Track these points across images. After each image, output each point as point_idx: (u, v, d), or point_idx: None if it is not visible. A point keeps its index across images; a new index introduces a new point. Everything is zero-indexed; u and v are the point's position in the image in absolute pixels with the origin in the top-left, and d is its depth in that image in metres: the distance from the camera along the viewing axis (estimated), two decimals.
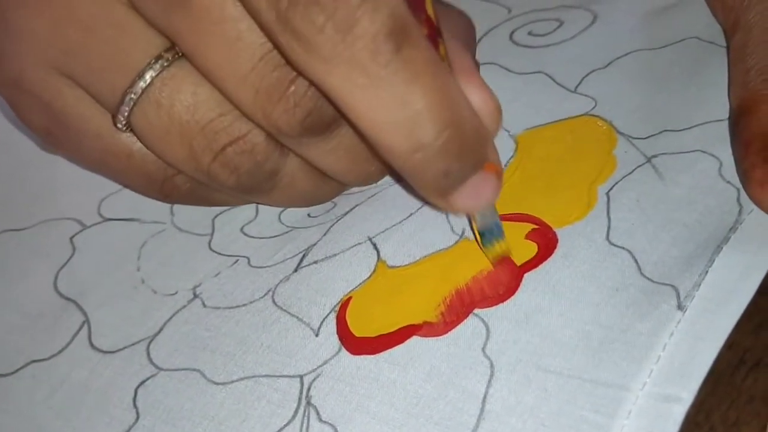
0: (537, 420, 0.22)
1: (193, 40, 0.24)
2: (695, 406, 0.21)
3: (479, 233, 0.26)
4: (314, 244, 0.28)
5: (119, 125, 0.27)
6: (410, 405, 0.24)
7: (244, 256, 0.29)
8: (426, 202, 0.28)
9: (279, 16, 0.21)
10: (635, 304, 0.24)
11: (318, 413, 0.24)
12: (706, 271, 0.24)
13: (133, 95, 0.26)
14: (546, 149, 0.29)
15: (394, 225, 0.28)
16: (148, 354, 0.27)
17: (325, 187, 0.29)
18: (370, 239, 0.28)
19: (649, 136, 0.28)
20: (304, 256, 0.28)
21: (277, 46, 0.23)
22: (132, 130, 0.27)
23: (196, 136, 0.26)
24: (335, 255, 0.28)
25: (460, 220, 0.28)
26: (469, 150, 0.23)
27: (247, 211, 0.30)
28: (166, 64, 0.25)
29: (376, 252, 0.27)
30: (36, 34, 0.26)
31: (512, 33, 0.34)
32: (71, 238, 0.31)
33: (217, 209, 0.31)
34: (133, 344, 0.27)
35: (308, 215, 0.30)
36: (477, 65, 0.25)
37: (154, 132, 0.26)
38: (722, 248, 0.24)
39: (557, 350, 0.23)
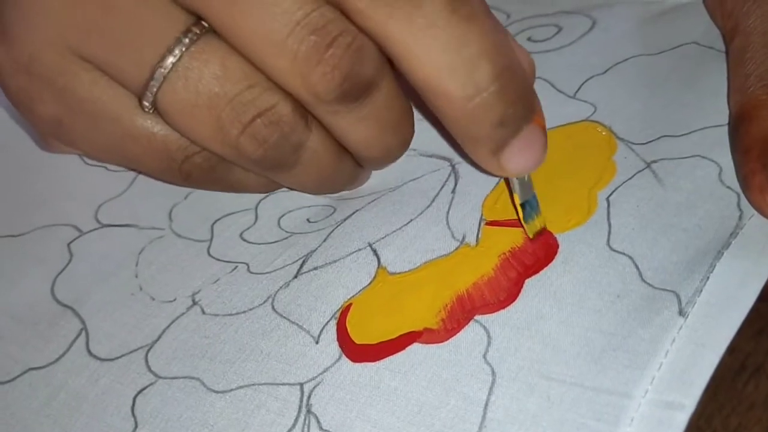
0: (539, 428, 0.22)
1: (226, 10, 0.24)
2: (696, 412, 0.21)
3: (521, 206, 0.26)
4: (314, 250, 0.28)
5: (146, 104, 0.26)
6: (411, 413, 0.23)
7: (243, 263, 0.29)
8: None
9: None
10: (636, 310, 0.24)
11: (318, 421, 0.24)
12: (708, 277, 0.24)
13: (163, 70, 0.25)
14: (546, 154, 0.29)
15: (394, 231, 0.28)
16: (147, 362, 0.27)
17: (343, 169, 0.28)
18: (370, 245, 0.28)
19: (648, 142, 0.28)
20: (303, 262, 0.28)
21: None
22: (157, 110, 0.27)
23: (224, 108, 0.25)
24: (335, 261, 0.28)
25: (460, 226, 0.27)
26: (523, 96, 0.23)
27: (246, 216, 0.30)
28: (194, 38, 0.25)
29: (376, 258, 0.27)
30: (50, 12, 0.26)
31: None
32: (68, 245, 0.31)
33: (216, 215, 0.30)
34: (131, 352, 0.27)
35: (308, 220, 0.30)
36: None
37: (182, 107, 0.26)
38: (723, 254, 0.24)
39: (559, 357, 0.23)
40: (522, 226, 0.26)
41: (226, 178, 0.29)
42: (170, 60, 0.25)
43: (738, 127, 0.27)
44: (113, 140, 0.28)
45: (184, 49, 0.25)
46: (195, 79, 0.25)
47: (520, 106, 0.24)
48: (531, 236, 0.26)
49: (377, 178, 0.30)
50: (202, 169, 0.28)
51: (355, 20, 0.24)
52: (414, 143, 0.28)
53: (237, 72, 0.25)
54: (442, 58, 0.23)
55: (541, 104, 0.25)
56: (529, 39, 0.34)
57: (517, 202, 0.26)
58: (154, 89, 0.26)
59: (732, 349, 0.22)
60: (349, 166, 0.29)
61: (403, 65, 0.23)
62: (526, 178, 0.26)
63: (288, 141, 0.26)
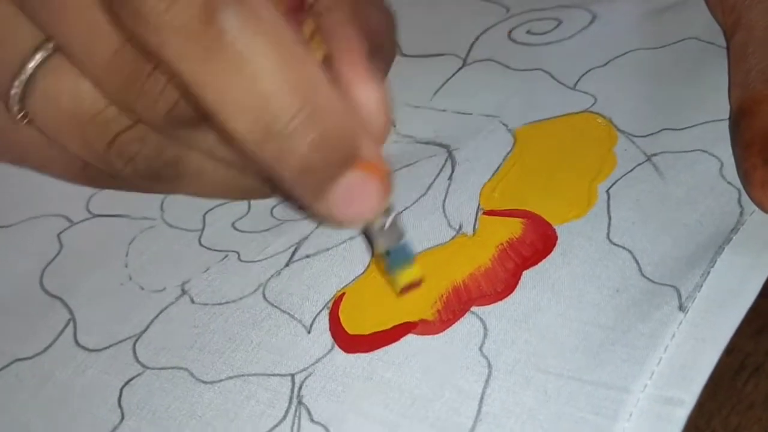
0: (536, 422, 0.22)
1: (57, 33, 0.24)
2: (696, 410, 0.21)
3: (380, 254, 0.24)
4: (306, 238, 0.28)
5: (16, 118, 0.26)
6: (405, 405, 0.23)
7: (234, 251, 0.28)
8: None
9: None
10: (636, 304, 0.24)
11: (310, 413, 0.24)
12: (708, 272, 0.24)
13: (16, 88, 0.25)
14: (545, 144, 0.29)
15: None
16: (134, 352, 0.26)
17: (245, 178, 0.27)
18: (364, 234, 0.27)
19: (649, 134, 0.28)
20: (295, 250, 0.28)
21: (119, 23, 0.22)
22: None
23: (86, 125, 0.25)
24: (328, 249, 0.27)
25: (457, 215, 0.27)
26: (332, 140, 0.20)
27: (239, 206, 0.30)
28: (46, 54, 0.25)
29: (371, 247, 0.27)
30: None
31: (510, 31, 0.34)
32: (59, 235, 0.31)
33: (209, 205, 0.30)
34: (118, 342, 0.27)
35: (300, 208, 0.29)
36: (377, 56, 0.23)
37: (48, 123, 0.26)
38: (724, 249, 0.24)
39: (557, 351, 0.23)
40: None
41: (128, 182, 0.29)
42: (22, 77, 0.25)
43: (739, 122, 0.26)
44: (14, 150, 0.28)
45: (35, 65, 0.25)
46: (54, 97, 0.25)
47: (328, 151, 0.20)
48: (395, 292, 0.24)
49: None
50: (102, 174, 0.28)
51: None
52: (410, 129, 0.28)
53: (93, 90, 0.25)
54: (225, 92, 0.20)
55: (379, 151, 0.22)
56: (528, 32, 0.33)
57: (377, 249, 0.23)
58: (15, 106, 0.26)
59: (731, 349, 0.22)
60: (247, 176, 0.28)
61: (193, 95, 0.21)
62: (385, 224, 0.23)
63: (159, 157, 0.26)
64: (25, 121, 0.26)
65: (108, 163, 0.26)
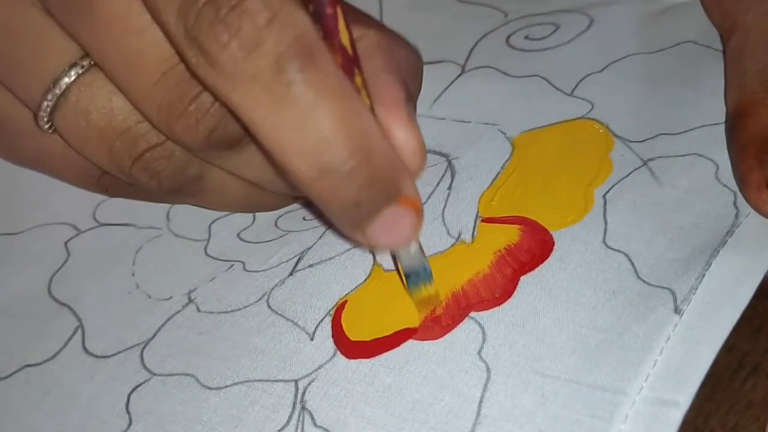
0: (534, 425, 0.22)
1: (98, 50, 0.24)
2: (694, 410, 0.21)
3: (404, 274, 0.25)
4: (310, 248, 0.28)
5: (43, 128, 0.27)
6: (406, 409, 0.23)
7: (239, 261, 0.29)
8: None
9: (186, 30, 0.21)
10: (632, 307, 0.24)
11: (313, 418, 0.24)
12: (703, 275, 0.24)
13: (48, 102, 0.26)
14: (542, 151, 0.29)
15: None
16: (142, 359, 0.27)
17: (265, 195, 0.28)
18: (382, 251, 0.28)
19: (645, 140, 0.28)
20: (299, 259, 0.28)
21: (184, 60, 0.23)
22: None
23: (114, 141, 0.26)
24: (331, 258, 0.28)
25: (456, 223, 0.27)
26: (380, 180, 0.22)
27: (244, 217, 0.30)
28: (81, 71, 0.25)
29: (371, 255, 0.27)
30: None
31: (509, 37, 0.34)
32: (66, 243, 0.31)
33: (214, 215, 0.31)
34: (126, 349, 0.27)
35: (303, 218, 0.30)
36: (412, 99, 0.25)
37: (76, 135, 0.26)
38: (719, 251, 0.24)
39: (554, 354, 0.23)
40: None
41: (146, 194, 0.29)
42: (56, 91, 0.26)
43: (735, 124, 0.26)
44: (33, 155, 0.29)
45: (70, 81, 0.26)
46: (84, 112, 0.26)
47: (376, 188, 0.22)
48: (416, 307, 0.25)
49: None
50: (119, 183, 0.29)
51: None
52: None
53: (125, 106, 0.25)
54: (287, 137, 0.22)
55: (416, 188, 0.23)
56: (526, 37, 0.33)
57: (400, 268, 0.25)
58: (44, 118, 0.26)
59: (730, 348, 0.22)
60: (271, 193, 0.28)
61: (253, 135, 0.22)
62: (411, 250, 0.24)
63: (183, 173, 0.27)
64: (51, 130, 0.27)
65: (132, 177, 0.27)
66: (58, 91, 0.26)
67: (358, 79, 0.22)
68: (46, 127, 0.27)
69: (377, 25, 0.26)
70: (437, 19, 0.35)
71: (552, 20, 0.34)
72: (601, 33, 0.33)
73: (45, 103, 0.26)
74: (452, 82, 0.32)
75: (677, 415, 0.21)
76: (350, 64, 0.22)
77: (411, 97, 0.25)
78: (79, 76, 0.25)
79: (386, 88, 0.24)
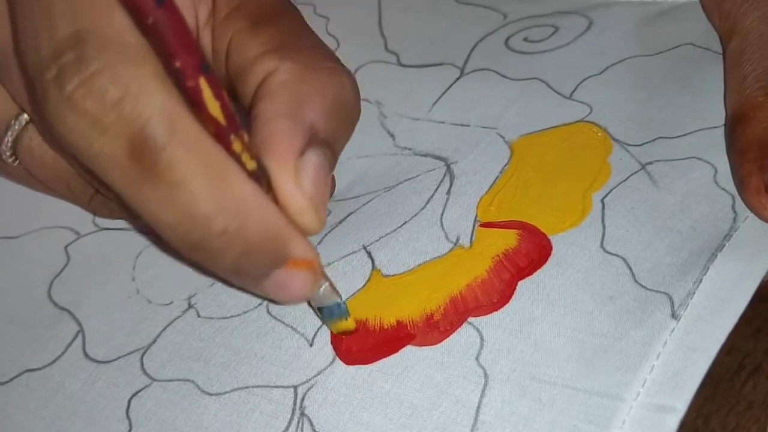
0: (531, 430, 0.22)
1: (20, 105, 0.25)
2: (694, 411, 0.22)
3: (318, 309, 0.25)
4: None
5: (7, 161, 0.27)
6: (404, 415, 0.23)
7: None
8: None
9: (40, 112, 0.21)
10: (629, 312, 0.24)
11: (312, 424, 0.24)
12: (701, 279, 0.24)
13: (8, 138, 0.27)
14: (541, 156, 0.29)
15: (388, 233, 0.28)
16: (142, 364, 0.27)
17: None
18: (364, 247, 0.28)
19: (644, 143, 0.28)
20: None
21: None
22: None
23: (70, 180, 0.27)
24: (330, 264, 0.28)
25: (454, 228, 0.27)
26: (259, 250, 0.22)
27: None
28: (26, 120, 0.26)
29: (370, 260, 0.27)
30: None
31: (508, 39, 0.34)
32: (66, 247, 0.31)
33: None
34: (127, 354, 0.27)
35: None
36: (321, 143, 0.23)
37: (36, 172, 0.27)
38: (717, 256, 0.24)
39: (551, 360, 0.23)
40: None
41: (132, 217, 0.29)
42: (17, 125, 0.26)
43: (734, 128, 0.26)
44: (17, 180, 0.30)
45: (20, 125, 0.26)
46: (39, 153, 0.26)
47: (256, 258, 0.22)
48: (331, 332, 0.25)
49: (372, 176, 0.30)
50: (105, 207, 0.29)
51: None
52: (409, 142, 0.28)
53: None
54: (156, 214, 0.21)
55: (308, 245, 0.23)
56: (525, 39, 0.33)
57: (313, 304, 0.25)
58: (8, 148, 0.27)
59: (730, 349, 0.23)
60: None
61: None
62: (320, 292, 0.24)
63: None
64: (16, 163, 0.28)
65: (93, 211, 0.28)
66: (12, 133, 0.26)
67: (236, 145, 0.22)
68: (10, 161, 0.27)
69: (297, 53, 0.24)
70: (436, 21, 0.35)
71: (551, 22, 0.34)
72: (600, 35, 0.33)
73: (5, 141, 0.26)
74: (451, 85, 0.32)
75: (674, 421, 0.21)
76: (224, 132, 0.21)
77: (319, 141, 0.23)
78: (27, 122, 0.26)
79: (277, 138, 0.23)
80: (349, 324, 0.25)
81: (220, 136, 0.21)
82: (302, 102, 0.23)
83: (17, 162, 0.27)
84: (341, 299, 0.25)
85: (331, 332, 0.26)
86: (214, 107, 0.21)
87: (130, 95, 0.20)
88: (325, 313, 0.25)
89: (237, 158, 0.22)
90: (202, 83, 0.20)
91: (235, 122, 0.22)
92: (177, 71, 0.20)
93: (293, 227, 0.22)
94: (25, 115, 0.26)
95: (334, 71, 0.25)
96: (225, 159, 0.21)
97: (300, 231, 0.23)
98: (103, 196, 0.28)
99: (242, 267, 0.22)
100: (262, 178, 0.22)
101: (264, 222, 0.22)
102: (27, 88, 0.23)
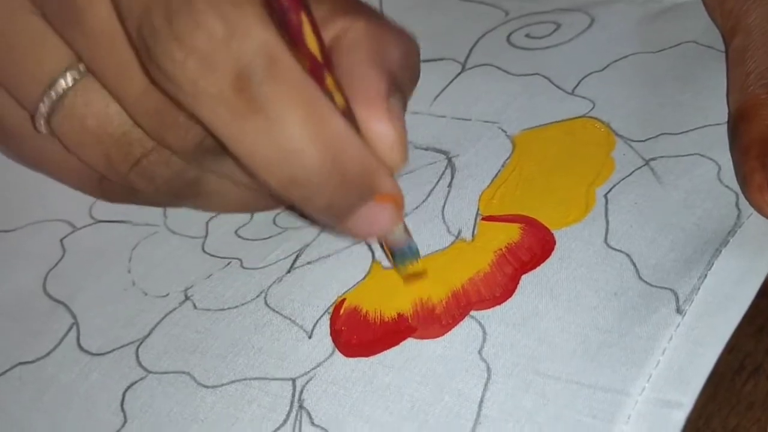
0: (534, 425, 0.22)
1: (89, 59, 0.24)
2: (695, 411, 0.21)
3: (390, 251, 0.26)
4: (308, 245, 0.28)
5: (40, 131, 0.27)
6: (405, 409, 0.23)
7: (236, 258, 0.29)
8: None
9: (146, 51, 0.21)
10: (634, 308, 0.24)
11: (310, 417, 0.24)
12: (705, 275, 0.24)
13: (45, 105, 0.26)
14: (544, 150, 0.29)
15: None
16: (137, 356, 0.26)
17: (261, 196, 0.28)
18: (364, 240, 0.27)
19: (647, 139, 0.28)
20: (297, 256, 0.28)
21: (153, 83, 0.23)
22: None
23: (111, 146, 0.26)
24: (329, 256, 0.27)
25: (456, 221, 0.27)
26: (352, 183, 0.22)
27: (242, 214, 0.30)
28: (77, 76, 0.25)
29: (371, 253, 0.27)
30: None
31: (509, 35, 0.34)
32: (61, 240, 0.31)
33: (212, 212, 0.30)
34: (122, 346, 0.27)
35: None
36: (398, 90, 0.25)
37: (72, 140, 0.26)
38: (721, 252, 0.24)
39: (555, 354, 0.23)
40: None
41: (146, 198, 0.29)
42: (52, 95, 0.26)
43: (737, 125, 0.26)
44: (32, 157, 0.29)
45: (66, 86, 0.25)
46: (80, 116, 0.26)
47: (348, 192, 0.22)
48: (404, 281, 0.26)
49: None
50: (118, 190, 0.28)
51: None
52: (410, 135, 0.28)
53: (121, 113, 0.25)
54: (254, 150, 0.22)
55: (393, 181, 0.23)
56: (527, 36, 0.33)
57: (386, 246, 0.26)
58: (44, 117, 0.26)
59: (731, 348, 0.22)
60: (264, 194, 0.28)
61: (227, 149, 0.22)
62: (396, 232, 0.25)
63: (180, 177, 0.27)
64: (49, 134, 0.27)
65: (129, 182, 0.27)
66: (54, 95, 0.26)
67: (329, 82, 0.22)
68: (44, 130, 0.27)
69: (367, 14, 0.26)
70: (438, 17, 0.35)
71: (553, 19, 0.34)
72: (602, 32, 0.33)
73: (42, 107, 0.26)
74: (452, 80, 0.32)
75: (680, 416, 0.21)
76: (319, 69, 0.22)
77: (397, 88, 0.24)
78: (75, 81, 0.25)
79: (365, 83, 0.24)
80: (418, 267, 0.25)
81: (315, 73, 0.22)
82: (382, 53, 0.25)
83: (50, 133, 0.27)
84: (413, 241, 0.25)
85: (404, 280, 0.26)
86: (312, 43, 0.21)
87: (236, 32, 0.20)
88: (397, 255, 0.25)
89: (329, 95, 0.22)
90: (304, 18, 0.21)
91: (329, 60, 0.22)
92: (281, 5, 0.21)
93: (381, 163, 0.23)
94: (71, 75, 0.25)
95: (402, 31, 0.26)
96: (321, 95, 0.22)
97: (386, 167, 0.23)
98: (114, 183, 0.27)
99: (334, 202, 0.22)
100: (349, 116, 0.23)
101: (357, 156, 0.22)
102: (125, 29, 0.22)
